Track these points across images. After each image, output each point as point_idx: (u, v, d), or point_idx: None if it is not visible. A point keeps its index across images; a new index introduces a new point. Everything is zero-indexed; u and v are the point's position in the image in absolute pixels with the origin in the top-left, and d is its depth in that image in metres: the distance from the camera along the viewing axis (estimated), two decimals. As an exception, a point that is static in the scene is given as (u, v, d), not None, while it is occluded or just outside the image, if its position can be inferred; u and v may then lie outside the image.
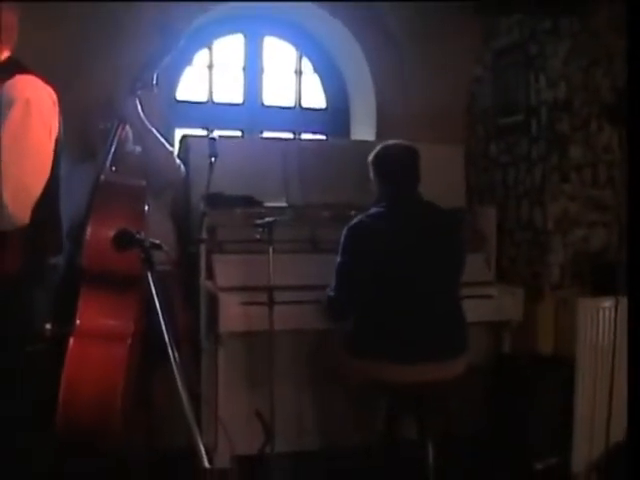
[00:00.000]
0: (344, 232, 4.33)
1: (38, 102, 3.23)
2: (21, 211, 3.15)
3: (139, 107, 4.05)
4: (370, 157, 4.49)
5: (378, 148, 4.48)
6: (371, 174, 4.48)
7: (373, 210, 4.35)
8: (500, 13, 5.71)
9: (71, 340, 3.17)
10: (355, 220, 4.34)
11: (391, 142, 4.50)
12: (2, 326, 3.17)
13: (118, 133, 3.81)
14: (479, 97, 6.03)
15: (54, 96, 3.34)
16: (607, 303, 4.96)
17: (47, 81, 3.32)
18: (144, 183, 3.60)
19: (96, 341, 3.20)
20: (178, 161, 4.47)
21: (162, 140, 4.36)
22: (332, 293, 4.36)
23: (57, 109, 3.35)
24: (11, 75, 3.21)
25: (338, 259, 4.33)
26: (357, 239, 4.30)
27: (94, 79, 4.99)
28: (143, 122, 4.18)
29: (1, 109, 3.14)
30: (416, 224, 4.34)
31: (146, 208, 3.48)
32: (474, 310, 4.52)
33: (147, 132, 4.27)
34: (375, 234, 4.26)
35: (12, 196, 3.11)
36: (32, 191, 3.21)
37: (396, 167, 4.41)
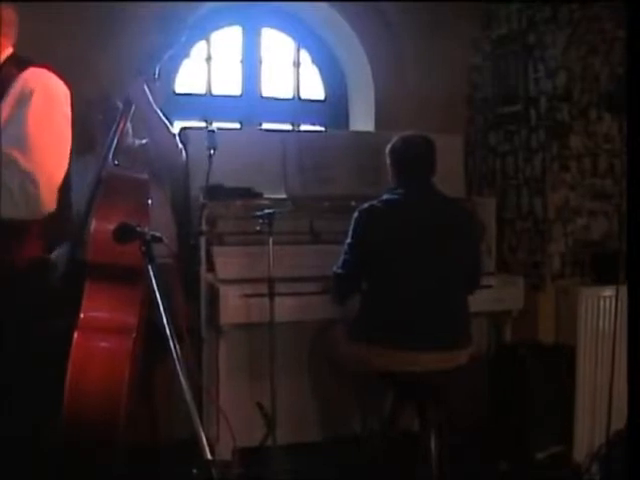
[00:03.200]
0: (355, 214, 4.38)
1: (56, 91, 3.27)
2: (50, 198, 3.19)
3: (146, 88, 4.05)
4: (387, 147, 4.50)
5: (395, 139, 4.51)
6: (388, 164, 4.49)
7: (386, 196, 4.40)
8: (498, 1, 5.71)
9: (75, 334, 3.17)
10: (367, 204, 4.38)
11: (408, 133, 4.52)
12: (19, 313, 3.20)
13: (120, 127, 3.81)
14: (478, 86, 6.02)
15: (67, 91, 3.35)
16: (608, 292, 4.97)
17: (60, 76, 3.33)
18: (147, 176, 3.60)
19: (101, 335, 3.20)
20: (180, 145, 4.46)
21: (166, 123, 4.35)
22: (339, 270, 4.39)
23: (69, 103, 3.37)
24: (23, 68, 3.23)
25: (347, 240, 4.37)
26: (366, 222, 4.34)
27: (93, 70, 4.98)
28: (149, 102, 4.16)
29: (20, 98, 3.16)
30: (428, 214, 4.37)
31: (149, 202, 3.48)
32: (475, 300, 4.52)
33: (152, 113, 4.24)
34: (384, 219, 4.32)
35: (42, 183, 3.13)
36: (57, 179, 3.24)
37: (412, 158, 4.45)
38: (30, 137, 3.14)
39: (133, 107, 3.93)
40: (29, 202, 3.13)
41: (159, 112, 4.29)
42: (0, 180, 3.06)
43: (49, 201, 3.18)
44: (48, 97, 3.22)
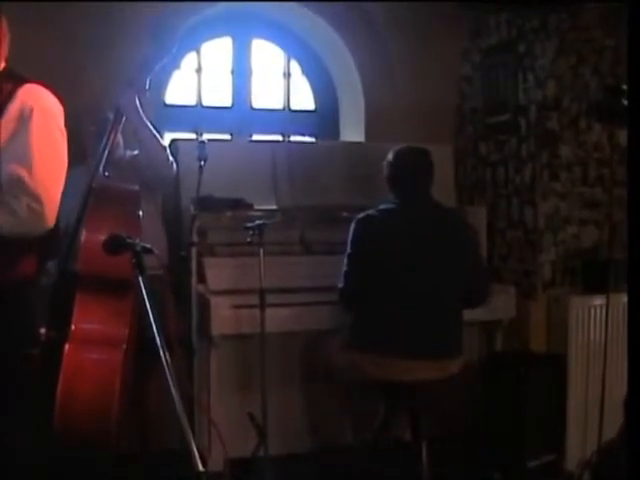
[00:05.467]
0: (353, 224, 4.40)
1: (53, 109, 3.27)
2: (52, 214, 3.19)
3: (137, 100, 4.05)
4: (385, 161, 4.51)
5: (392, 152, 4.52)
6: (385, 177, 4.50)
7: (383, 206, 4.41)
8: (488, 11, 5.72)
9: (66, 346, 3.17)
10: (364, 213, 4.40)
11: (404, 146, 4.53)
12: (9, 328, 3.19)
13: (111, 138, 3.81)
14: (468, 96, 6.04)
15: (61, 107, 3.36)
16: (598, 301, 4.97)
17: (54, 91, 3.33)
18: (137, 188, 3.60)
19: (92, 346, 3.20)
20: (171, 157, 4.46)
21: (157, 135, 4.35)
22: (341, 285, 4.40)
23: (63, 118, 3.37)
24: (19, 84, 3.23)
25: (347, 250, 4.38)
26: (363, 231, 4.37)
27: (84, 81, 4.98)
28: (139, 114, 4.17)
29: (20, 116, 3.15)
30: (424, 224, 4.39)
31: (140, 213, 3.48)
32: (466, 309, 4.52)
33: (143, 125, 4.25)
34: (381, 228, 4.34)
35: (46, 201, 3.15)
36: (58, 194, 3.24)
37: (408, 171, 4.46)
38: (33, 155, 3.14)
39: (124, 119, 3.94)
40: (35, 220, 3.14)
41: (150, 125, 4.29)
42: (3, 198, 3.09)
43: (52, 217, 3.19)
44: (47, 115, 3.22)
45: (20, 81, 3.25)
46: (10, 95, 3.18)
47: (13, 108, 3.15)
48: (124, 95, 3.97)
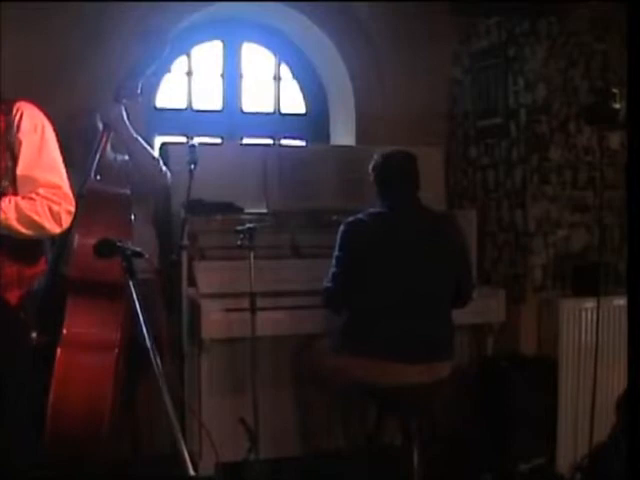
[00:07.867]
0: (341, 227, 4.38)
1: (48, 124, 3.43)
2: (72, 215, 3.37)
3: (124, 114, 4.05)
4: (370, 165, 4.50)
5: (378, 156, 4.51)
6: (372, 181, 4.50)
7: (372, 210, 4.40)
8: (478, 15, 5.73)
9: (58, 350, 3.16)
10: (353, 217, 4.39)
11: (391, 150, 4.52)
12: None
13: (103, 142, 3.81)
14: (458, 100, 6.04)
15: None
16: (589, 304, 4.97)
17: (41, 108, 3.43)
18: (129, 191, 3.60)
19: (83, 351, 3.20)
20: (164, 168, 4.46)
21: (147, 147, 4.35)
22: (329, 284, 4.38)
23: None
24: (10, 101, 3.31)
25: (335, 252, 4.37)
26: (352, 234, 4.35)
27: (75, 87, 4.98)
28: (128, 129, 4.18)
29: (35, 130, 3.34)
30: (413, 228, 4.38)
31: (132, 217, 3.49)
32: (456, 313, 4.51)
33: (132, 140, 4.26)
34: (370, 231, 4.32)
35: (70, 202, 3.34)
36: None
37: (396, 175, 4.45)
38: (59, 165, 3.38)
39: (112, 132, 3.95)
40: (69, 221, 3.33)
41: (139, 138, 4.30)
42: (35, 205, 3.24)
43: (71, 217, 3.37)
44: (51, 130, 3.41)
45: (7, 100, 3.33)
46: (6, 112, 3.26)
47: (25, 124, 3.32)
48: (111, 111, 3.95)
